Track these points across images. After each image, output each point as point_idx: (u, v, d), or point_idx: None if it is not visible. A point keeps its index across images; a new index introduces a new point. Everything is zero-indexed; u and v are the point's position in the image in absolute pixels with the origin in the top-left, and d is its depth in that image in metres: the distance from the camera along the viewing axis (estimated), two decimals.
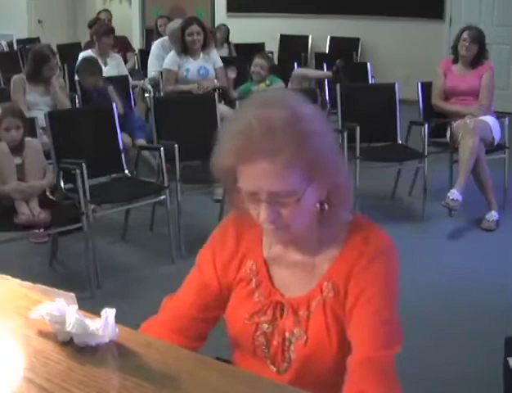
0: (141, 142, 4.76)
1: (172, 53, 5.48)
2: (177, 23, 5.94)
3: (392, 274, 1.39)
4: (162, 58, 5.83)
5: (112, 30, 6.08)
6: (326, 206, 1.36)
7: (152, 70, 6.02)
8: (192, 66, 5.42)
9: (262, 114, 1.26)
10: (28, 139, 3.63)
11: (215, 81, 5.49)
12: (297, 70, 6.24)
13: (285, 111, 1.27)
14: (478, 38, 4.83)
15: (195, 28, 5.38)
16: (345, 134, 4.59)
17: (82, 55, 5.89)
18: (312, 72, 6.09)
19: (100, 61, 5.81)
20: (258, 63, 5.72)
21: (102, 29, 5.99)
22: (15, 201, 3.47)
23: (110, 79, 5.47)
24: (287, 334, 1.42)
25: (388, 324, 1.35)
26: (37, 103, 4.65)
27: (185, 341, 1.48)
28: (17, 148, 3.56)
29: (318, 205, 1.36)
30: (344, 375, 1.35)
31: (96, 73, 5.05)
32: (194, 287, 1.52)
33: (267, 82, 5.73)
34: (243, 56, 7.29)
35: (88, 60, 5.30)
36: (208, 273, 1.51)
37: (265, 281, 1.45)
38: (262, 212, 1.31)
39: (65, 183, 3.83)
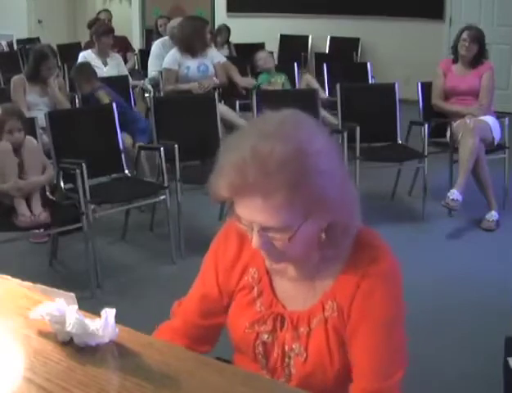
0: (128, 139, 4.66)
1: (173, 52, 5.49)
2: (176, 22, 5.96)
3: (396, 300, 1.35)
4: (162, 58, 5.83)
5: (111, 30, 6.07)
6: (323, 235, 1.30)
7: (152, 69, 6.02)
8: (192, 64, 5.43)
9: (260, 149, 1.17)
10: (26, 138, 3.63)
11: (214, 79, 5.50)
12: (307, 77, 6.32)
13: (286, 147, 1.17)
14: (478, 38, 4.83)
15: None
16: (345, 134, 4.59)
17: (82, 55, 5.89)
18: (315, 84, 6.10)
19: (100, 61, 5.83)
20: (260, 57, 5.75)
21: (101, 29, 5.99)
22: (14, 200, 3.47)
23: (110, 79, 5.48)
24: (286, 348, 1.40)
25: (390, 352, 1.33)
26: (36, 103, 4.65)
27: (193, 343, 1.49)
28: (16, 147, 3.57)
29: (323, 235, 1.30)
30: (345, 390, 1.34)
31: (90, 78, 5.00)
32: (196, 295, 1.52)
33: (283, 79, 5.77)
34: (243, 56, 7.29)
35: (80, 67, 5.18)
36: (210, 280, 1.49)
37: (267, 290, 1.42)
38: (254, 239, 1.27)
39: (65, 183, 3.82)
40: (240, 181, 1.18)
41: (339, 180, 1.25)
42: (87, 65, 5.26)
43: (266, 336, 1.41)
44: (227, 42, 8.12)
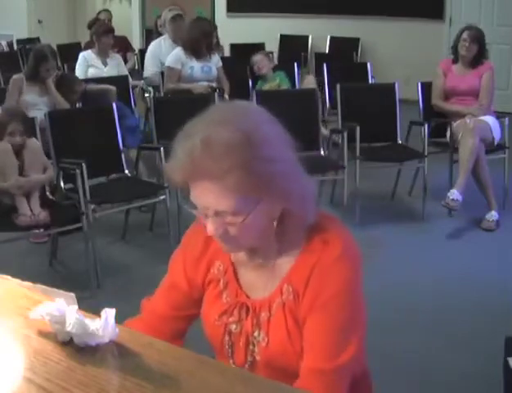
0: (134, 152, 4.49)
1: (176, 51, 5.49)
2: (168, 14, 5.98)
3: (349, 280, 1.36)
4: (159, 58, 5.85)
5: (111, 30, 6.07)
6: (275, 224, 1.35)
7: (148, 69, 6.02)
8: (196, 64, 5.44)
9: (210, 134, 1.24)
10: (28, 140, 3.64)
11: (214, 84, 5.53)
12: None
13: (235, 134, 1.23)
14: (478, 38, 4.83)
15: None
16: (345, 134, 4.59)
17: (82, 55, 5.89)
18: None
19: (100, 61, 5.83)
20: (255, 61, 5.75)
21: (101, 28, 5.98)
22: (16, 199, 3.48)
23: (110, 79, 5.47)
24: (250, 337, 1.43)
25: (337, 333, 1.34)
26: (35, 103, 4.65)
27: (161, 337, 1.49)
28: (18, 149, 3.58)
29: (275, 223, 1.35)
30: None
31: (72, 87, 4.93)
32: (165, 287, 1.56)
33: (277, 81, 5.77)
34: (243, 56, 7.29)
35: (60, 82, 4.94)
36: (178, 273, 1.53)
37: (232, 282, 1.46)
38: (208, 226, 1.31)
39: (65, 183, 3.83)
40: (190, 166, 1.25)
41: (289, 170, 1.30)
42: (66, 77, 5.20)
43: (234, 327, 1.45)
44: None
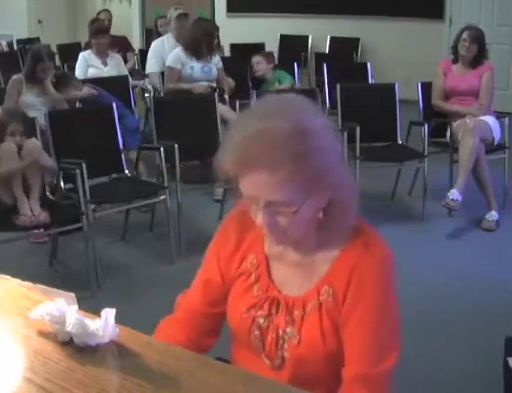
0: (133, 153, 4.50)
1: (176, 51, 5.49)
2: (173, 13, 6.01)
3: (389, 286, 1.38)
4: (160, 57, 5.86)
5: (105, 30, 6.04)
6: (321, 215, 1.36)
7: (151, 68, 6.03)
8: (197, 64, 5.44)
9: (265, 125, 1.25)
10: (28, 140, 3.64)
11: (214, 84, 5.53)
12: None
13: (288, 124, 1.24)
14: (478, 38, 4.83)
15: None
16: (345, 134, 4.59)
17: (81, 55, 5.88)
18: None
19: (99, 61, 5.82)
20: (254, 61, 5.75)
21: (94, 28, 5.97)
22: (17, 200, 3.48)
23: (110, 79, 5.47)
24: (280, 331, 1.42)
25: (381, 339, 1.35)
26: (33, 104, 4.64)
27: (197, 335, 1.52)
28: (18, 149, 3.58)
29: (321, 214, 1.36)
30: (339, 375, 1.37)
31: (70, 82, 4.96)
32: (200, 283, 1.55)
33: (277, 84, 5.77)
34: (243, 56, 7.28)
35: (59, 80, 5.01)
36: (212, 267, 1.52)
37: (264, 276, 1.46)
38: (259, 216, 1.32)
39: (65, 183, 3.83)
40: (246, 154, 1.24)
41: (338, 159, 1.32)
42: (66, 74, 5.22)
43: (262, 321, 1.44)
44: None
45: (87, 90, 4.98)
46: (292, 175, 1.24)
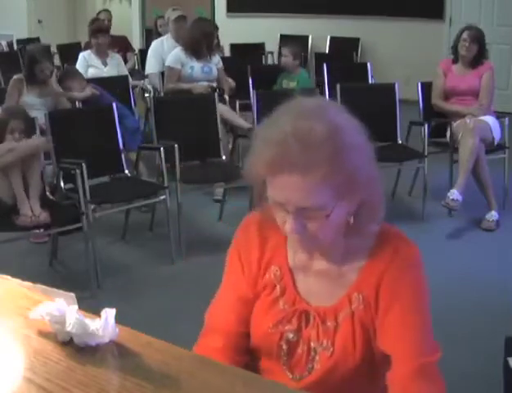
0: (133, 155, 4.49)
1: (176, 51, 5.49)
2: (172, 14, 6.01)
3: (422, 285, 1.36)
4: (160, 57, 5.86)
5: (105, 30, 6.04)
6: (352, 219, 1.32)
7: (151, 68, 6.02)
8: (196, 64, 5.44)
9: (300, 126, 1.21)
10: (28, 140, 3.65)
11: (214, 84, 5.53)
12: None
13: (323, 125, 1.21)
14: (478, 38, 4.83)
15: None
16: None
17: (81, 55, 5.88)
18: None
19: (99, 61, 5.82)
20: (282, 53, 5.73)
21: (93, 28, 5.97)
22: (18, 200, 3.49)
23: (110, 79, 5.47)
24: (312, 344, 1.39)
25: (425, 334, 1.34)
26: (33, 104, 4.64)
27: (243, 356, 1.46)
28: None
29: (351, 219, 1.32)
30: (366, 385, 1.36)
31: (76, 77, 4.98)
32: (231, 302, 1.47)
33: (295, 83, 5.73)
34: (243, 56, 7.29)
35: (64, 76, 5.13)
36: (241, 283, 1.46)
37: (289, 288, 1.41)
38: (288, 223, 1.26)
39: (65, 183, 3.83)
40: (281, 156, 1.20)
41: (368, 153, 1.29)
42: (73, 68, 5.24)
43: (291, 336, 1.40)
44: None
45: (89, 90, 4.99)
46: (326, 178, 1.20)
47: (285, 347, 1.40)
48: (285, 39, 8.92)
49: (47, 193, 3.77)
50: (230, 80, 5.78)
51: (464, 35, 4.83)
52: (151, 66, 6.02)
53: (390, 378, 1.32)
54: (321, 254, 1.39)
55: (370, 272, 1.36)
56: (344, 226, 1.32)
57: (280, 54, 8.61)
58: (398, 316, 1.33)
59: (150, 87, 6.00)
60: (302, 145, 1.19)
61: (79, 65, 5.78)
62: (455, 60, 4.97)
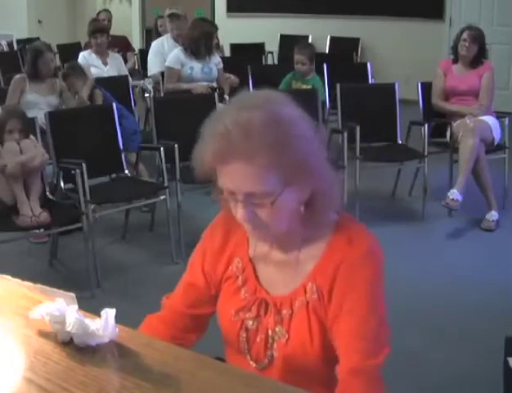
0: (133, 156, 4.49)
1: (176, 51, 5.49)
2: (167, 12, 6.04)
3: (375, 278, 1.38)
4: (161, 56, 5.86)
5: (103, 29, 6.04)
6: (302, 209, 1.36)
7: (152, 68, 6.03)
8: (196, 65, 5.44)
9: (241, 116, 1.27)
10: (26, 140, 3.64)
11: (214, 84, 5.53)
12: None
13: (264, 114, 1.27)
14: (478, 38, 4.83)
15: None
16: (345, 134, 4.59)
17: (81, 55, 5.88)
18: None
19: (99, 61, 5.82)
20: (297, 60, 5.63)
21: (91, 28, 5.97)
22: (18, 200, 3.48)
23: (110, 79, 5.46)
24: (270, 332, 1.43)
25: (374, 331, 1.35)
26: (37, 103, 4.64)
27: (179, 332, 1.54)
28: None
29: (302, 207, 1.36)
30: (330, 374, 1.38)
31: (81, 75, 4.96)
32: (183, 285, 1.57)
33: (311, 84, 5.63)
34: (243, 56, 7.29)
35: (71, 66, 5.11)
36: (196, 271, 1.54)
37: (251, 278, 1.47)
38: (238, 211, 1.32)
39: (65, 183, 3.83)
40: (223, 146, 1.26)
41: (317, 148, 1.33)
42: (77, 64, 5.23)
43: (250, 323, 1.45)
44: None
45: (90, 83, 4.96)
46: (269, 164, 1.25)
47: (244, 335, 1.45)
48: (290, 41, 8.91)
49: (47, 193, 3.77)
50: (233, 77, 5.79)
51: (465, 35, 4.83)
52: (155, 66, 6.01)
53: (336, 372, 1.36)
54: (279, 244, 1.44)
55: (327, 262, 1.39)
56: (298, 215, 1.37)
57: (280, 52, 8.68)
58: (348, 312, 1.35)
59: (150, 87, 6.00)
60: (243, 133, 1.25)
61: None
62: (455, 61, 4.97)
